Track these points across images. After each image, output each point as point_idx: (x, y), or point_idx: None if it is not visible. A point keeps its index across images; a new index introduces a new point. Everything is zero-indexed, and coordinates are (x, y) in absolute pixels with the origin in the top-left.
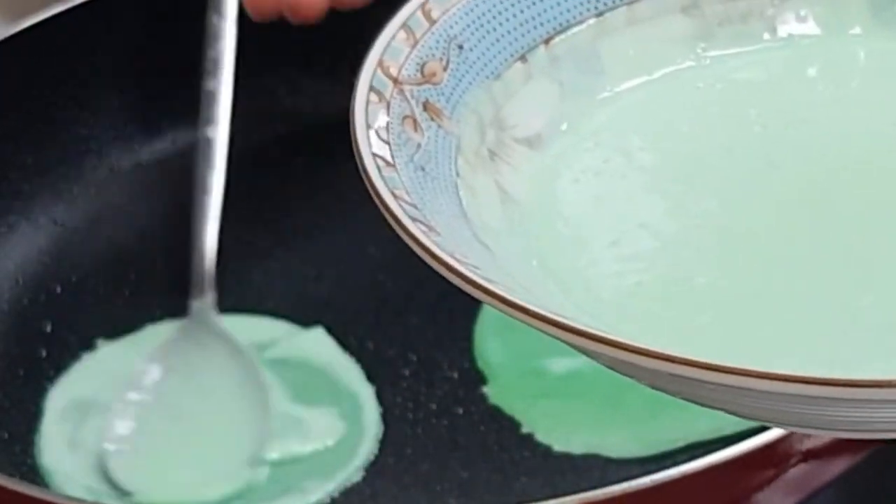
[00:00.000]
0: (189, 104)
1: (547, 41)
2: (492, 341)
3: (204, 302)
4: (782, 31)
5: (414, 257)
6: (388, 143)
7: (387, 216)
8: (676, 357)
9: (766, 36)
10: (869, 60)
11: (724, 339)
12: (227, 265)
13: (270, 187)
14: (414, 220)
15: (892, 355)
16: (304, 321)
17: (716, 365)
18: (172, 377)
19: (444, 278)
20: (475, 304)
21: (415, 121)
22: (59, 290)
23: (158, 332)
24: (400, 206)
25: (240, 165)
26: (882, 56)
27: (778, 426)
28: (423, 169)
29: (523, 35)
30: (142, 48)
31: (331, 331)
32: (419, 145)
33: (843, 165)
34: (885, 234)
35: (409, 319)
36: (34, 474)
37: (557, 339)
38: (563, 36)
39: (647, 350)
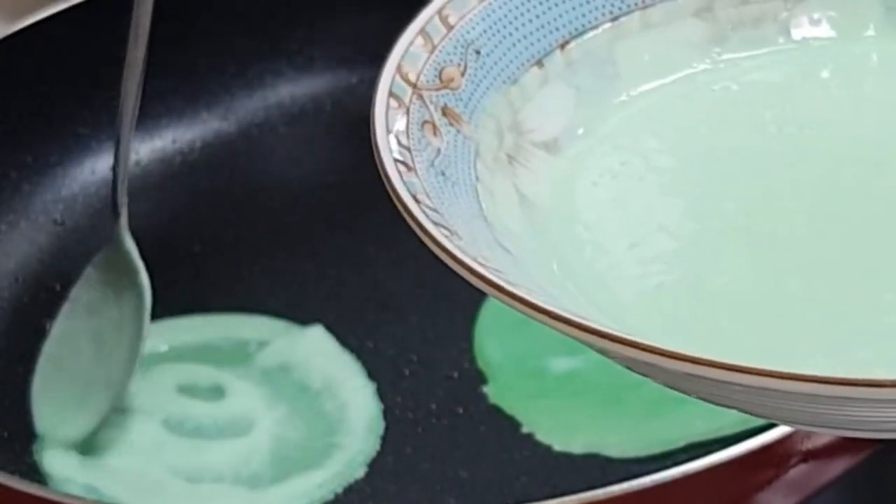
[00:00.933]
0: (189, 104)
1: (563, 46)
2: (492, 341)
3: (120, 225)
4: (796, 34)
5: (414, 257)
6: (408, 148)
7: (409, 221)
8: (699, 358)
9: (780, 39)
10: (882, 62)
11: (744, 339)
12: (227, 264)
13: (270, 186)
14: (436, 224)
15: None
16: (304, 320)
17: (737, 366)
18: (85, 308)
19: (444, 277)
20: (475, 304)
21: (434, 126)
22: (58, 288)
23: (157, 331)
24: (422, 210)
25: (240, 164)
26: (892, 56)
27: (795, 426)
28: (443, 174)
29: (539, 40)
30: None
31: (331, 330)
32: (439, 150)
33: (859, 165)
34: None
35: (409, 319)
36: (33, 472)
37: (578, 340)
38: (578, 40)
39: (670, 351)
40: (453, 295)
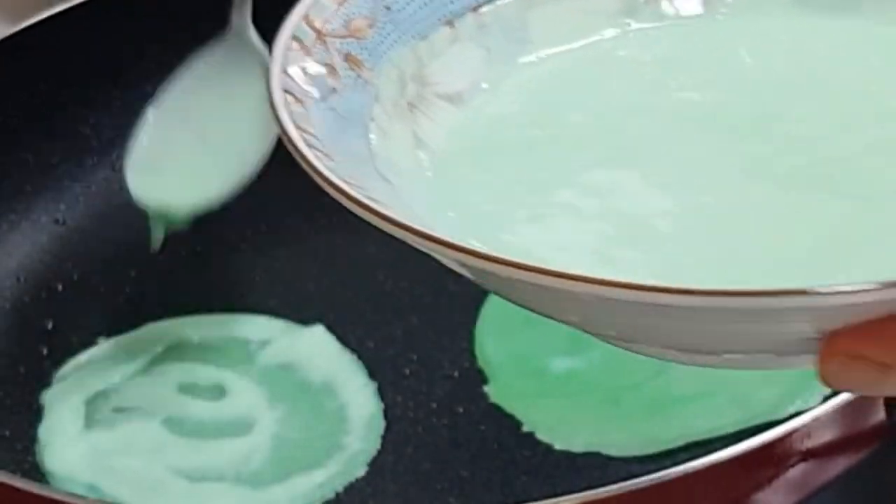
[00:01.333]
0: None
1: (475, 9)
2: (492, 340)
3: (242, 16)
4: (707, 6)
5: (414, 257)
6: (300, 82)
7: (286, 142)
8: (529, 266)
9: (690, 11)
10: (789, 35)
11: (622, 267)
12: (228, 264)
13: (271, 185)
14: (311, 146)
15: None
16: (305, 319)
17: (562, 273)
18: (198, 88)
19: (444, 277)
20: (475, 304)
21: (333, 68)
22: (60, 288)
23: (159, 330)
24: (301, 135)
25: None
26: (799, 32)
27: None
28: (333, 109)
29: (453, 2)
30: (141, 48)
31: (331, 329)
32: (334, 89)
33: (754, 117)
34: (785, 171)
35: (410, 318)
36: (35, 472)
37: (436, 255)
38: (491, 5)
39: (506, 259)
40: (453, 295)
